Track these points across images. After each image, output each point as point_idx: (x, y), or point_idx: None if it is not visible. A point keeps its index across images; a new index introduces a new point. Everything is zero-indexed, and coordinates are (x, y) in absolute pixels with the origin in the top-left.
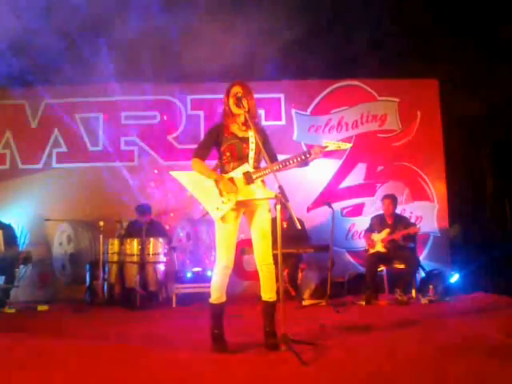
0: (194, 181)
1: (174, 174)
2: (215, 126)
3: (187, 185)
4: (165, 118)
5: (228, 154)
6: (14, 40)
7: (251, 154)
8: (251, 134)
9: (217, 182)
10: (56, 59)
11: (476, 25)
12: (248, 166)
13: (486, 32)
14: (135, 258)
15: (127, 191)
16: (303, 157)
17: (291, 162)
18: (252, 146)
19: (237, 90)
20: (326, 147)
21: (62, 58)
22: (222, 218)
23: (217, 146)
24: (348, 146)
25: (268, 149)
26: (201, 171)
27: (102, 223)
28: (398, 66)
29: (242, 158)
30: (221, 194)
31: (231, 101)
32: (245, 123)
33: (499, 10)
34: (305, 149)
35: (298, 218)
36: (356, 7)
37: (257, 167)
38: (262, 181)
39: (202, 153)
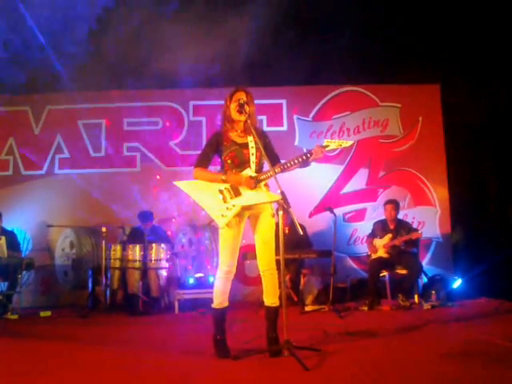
0: (198, 189)
1: (178, 183)
2: (214, 134)
3: (191, 193)
4: (167, 124)
5: (229, 161)
6: (18, 47)
7: (252, 159)
8: (251, 139)
9: (226, 178)
10: (58, 65)
11: (478, 29)
12: (250, 171)
13: (487, 36)
14: (137, 264)
15: (130, 197)
16: (304, 157)
17: (292, 163)
18: (252, 150)
19: (240, 95)
20: (327, 146)
21: (64, 64)
22: (227, 225)
23: (218, 154)
24: (349, 143)
25: (270, 152)
26: (205, 177)
27: (104, 229)
28: (400, 71)
29: (243, 164)
30: (225, 201)
31: (233, 106)
32: (244, 129)
33: (501, 13)
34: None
35: (299, 224)
36: (357, 13)
37: (259, 171)
38: (266, 185)
39: (202, 162)
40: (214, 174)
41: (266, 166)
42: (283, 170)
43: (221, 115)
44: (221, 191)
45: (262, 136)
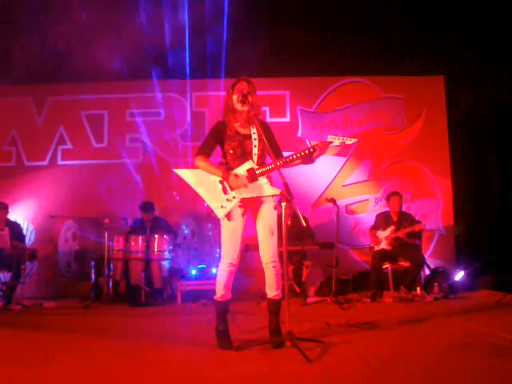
0: (199, 178)
1: (178, 171)
2: (218, 123)
3: (191, 182)
4: (170, 115)
5: (231, 151)
6: (20, 37)
7: (255, 151)
8: (254, 131)
9: (224, 178)
10: (61, 56)
11: (482, 21)
12: (252, 163)
13: (492, 28)
14: (140, 255)
15: (132, 188)
16: (307, 151)
17: (295, 157)
18: (255, 142)
19: (242, 86)
20: (331, 142)
21: (67, 55)
22: (227, 216)
23: (220, 144)
24: (352, 141)
25: (272, 144)
26: (206, 168)
27: (107, 220)
28: (404, 62)
29: (245, 155)
30: (225, 192)
31: (235, 97)
32: (247, 120)
33: (505, 5)
34: (309, 146)
35: (302, 215)
36: (360, 5)
37: (261, 163)
38: (268, 177)
39: (205, 150)
40: (214, 168)
41: (269, 157)
42: (285, 165)
43: (223, 106)
44: (221, 182)
45: (265, 127)
